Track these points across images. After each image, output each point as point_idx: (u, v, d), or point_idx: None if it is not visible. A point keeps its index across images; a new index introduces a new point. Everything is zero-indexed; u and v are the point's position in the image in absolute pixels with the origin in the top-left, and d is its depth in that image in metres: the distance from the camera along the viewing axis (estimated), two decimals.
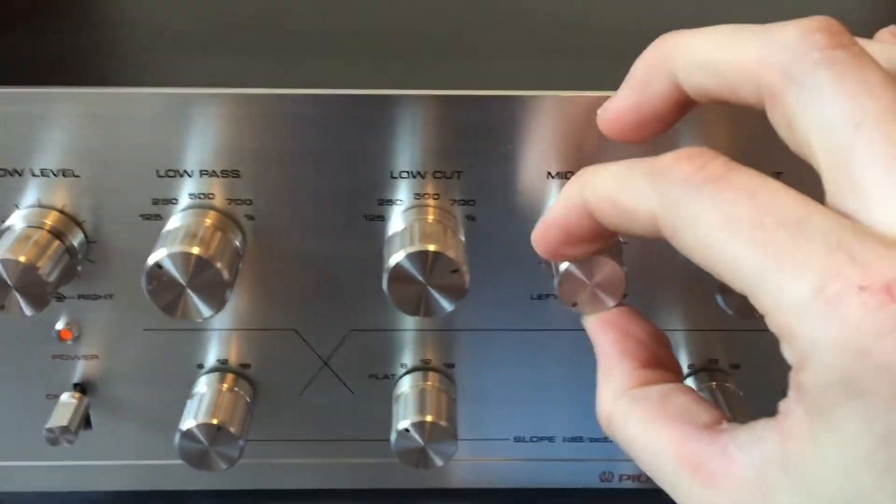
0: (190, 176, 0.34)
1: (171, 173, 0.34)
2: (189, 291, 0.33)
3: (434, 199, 0.35)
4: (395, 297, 0.33)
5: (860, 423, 0.19)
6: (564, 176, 0.34)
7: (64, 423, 0.38)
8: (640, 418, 0.25)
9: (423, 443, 0.37)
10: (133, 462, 0.42)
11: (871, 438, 0.19)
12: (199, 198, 0.35)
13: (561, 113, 0.33)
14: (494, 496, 0.44)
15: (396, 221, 0.35)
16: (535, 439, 0.42)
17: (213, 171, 0.34)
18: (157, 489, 0.43)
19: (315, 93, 0.33)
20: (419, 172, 0.35)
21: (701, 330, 0.39)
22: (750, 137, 0.34)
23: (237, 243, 0.35)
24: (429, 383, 0.39)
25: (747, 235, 0.21)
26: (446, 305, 0.33)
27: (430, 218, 0.34)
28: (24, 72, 0.37)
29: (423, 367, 0.40)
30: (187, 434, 0.37)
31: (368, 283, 0.37)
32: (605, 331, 0.28)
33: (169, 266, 0.32)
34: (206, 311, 0.33)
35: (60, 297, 0.37)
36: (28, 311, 0.33)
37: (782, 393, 0.21)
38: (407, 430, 0.37)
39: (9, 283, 0.33)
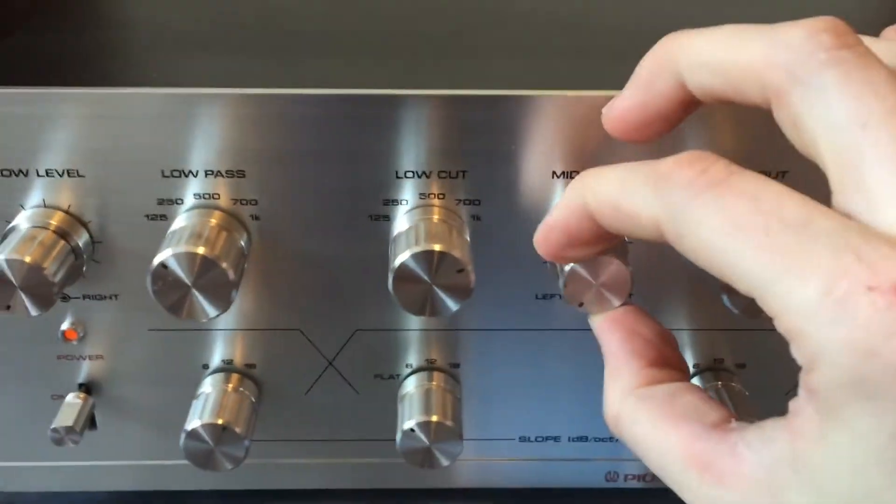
0: (195, 176, 0.34)
1: (176, 173, 0.34)
2: (195, 291, 0.33)
3: (439, 198, 0.35)
4: (400, 296, 0.33)
5: (870, 422, 0.19)
6: (569, 175, 0.34)
7: (69, 423, 0.38)
8: (648, 417, 0.25)
9: (428, 443, 0.37)
10: (138, 462, 0.42)
11: (881, 437, 0.19)
12: (205, 198, 0.35)
13: (566, 112, 0.33)
14: (500, 496, 0.44)
15: (401, 221, 0.35)
16: (540, 439, 0.42)
17: (219, 172, 0.34)
18: (162, 489, 0.43)
19: (320, 93, 0.33)
20: (424, 172, 0.35)
21: (706, 329, 0.39)
22: (756, 137, 0.34)
23: (242, 243, 0.35)
24: (434, 383, 0.39)
25: (752, 239, 0.21)
26: (452, 305, 0.33)
27: (436, 218, 0.34)
28: (29, 72, 0.37)
29: (428, 367, 0.40)
30: (193, 434, 0.37)
31: (374, 283, 0.37)
32: (612, 330, 0.28)
33: (174, 266, 0.32)
34: (211, 311, 0.33)
35: (66, 298, 0.37)
36: (33, 312, 0.33)
37: (788, 392, 0.21)
38: (412, 430, 0.37)
39: (14, 283, 0.33)
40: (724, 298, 0.36)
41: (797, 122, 0.22)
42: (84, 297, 0.37)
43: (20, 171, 0.34)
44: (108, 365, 0.39)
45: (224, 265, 0.32)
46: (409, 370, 0.40)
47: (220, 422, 0.37)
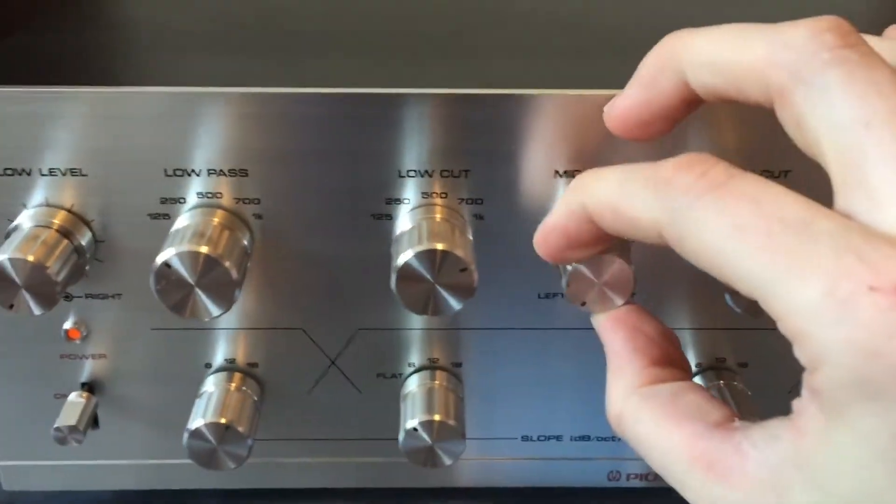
0: (198, 175, 0.35)
1: (179, 172, 0.34)
2: (198, 290, 0.33)
3: (442, 197, 0.35)
4: (403, 296, 0.33)
5: (874, 422, 0.19)
6: (572, 174, 0.34)
7: (72, 422, 0.38)
8: (651, 416, 0.25)
9: (431, 442, 0.37)
10: (141, 461, 0.42)
11: (884, 437, 0.19)
12: (207, 197, 0.35)
13: (568, 111, 0.33)
14: (502, 495, 0.44)
15: (404, 220, 0.35)
16: (542, 438, 0.42)
17: (221, 171, 0.34)
18: (165, 488, 0.43)
19: (323, 92, 0.33)
20: (427, 171, 0.35)
21: (708, 328, 0.39)
22: (758, 136, 0.34)
23: (245, 242, 0.35)
24: (436, 382, 0.39)
25: (754, 242, 0.21)
26: (454, 304, 0.33)
27: (438, 217, 0.34)
28: (31, 72, 0.37)
29: (430, 366, 0.40)
30: (196, 433, 0.37)
31: (376, 282, 0.37)
32: (615, 329, 0.28)
33: (177, 265, 0.32)
34: (214, 310, 0.33)
35: (69, 297, 0.37)
36: (36, 311, 0.33)
37: (790, 391, 0.21)
38: (415, 429, 0.37)
39: (17, 282, 0.33)
40: (728, 298, 0.36)
41: (800, 122, 0.22)
42: (87, 296, 0.37)
43: (23, 170, 0.34)
44: (110, 364, 0.39)
45: (227, 264, 0.32)
46: (411, 369, 0.40)
47: (223, 421, 0.37)
